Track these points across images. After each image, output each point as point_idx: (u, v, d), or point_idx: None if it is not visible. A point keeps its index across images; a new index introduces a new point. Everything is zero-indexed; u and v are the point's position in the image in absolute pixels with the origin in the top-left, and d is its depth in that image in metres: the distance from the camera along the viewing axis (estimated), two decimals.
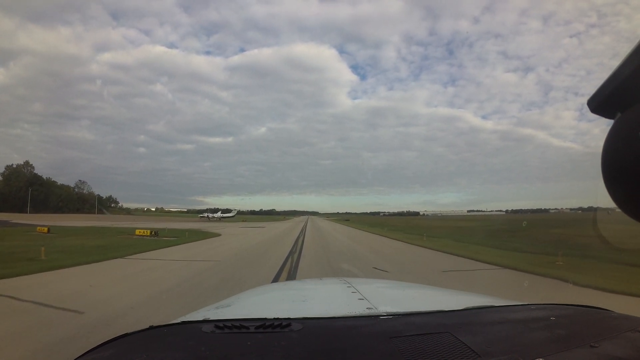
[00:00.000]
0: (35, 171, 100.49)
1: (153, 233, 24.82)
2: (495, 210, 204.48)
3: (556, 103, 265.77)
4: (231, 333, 1.10)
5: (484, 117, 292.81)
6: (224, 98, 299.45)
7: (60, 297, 6.83)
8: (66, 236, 23.23)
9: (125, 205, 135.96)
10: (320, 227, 48.02)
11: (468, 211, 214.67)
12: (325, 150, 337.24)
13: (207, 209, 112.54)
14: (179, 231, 29.69)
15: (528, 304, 1.53)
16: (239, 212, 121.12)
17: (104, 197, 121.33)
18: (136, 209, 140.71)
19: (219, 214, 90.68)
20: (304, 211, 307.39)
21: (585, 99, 0.69)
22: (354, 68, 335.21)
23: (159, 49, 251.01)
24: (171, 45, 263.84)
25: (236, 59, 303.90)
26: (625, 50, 0.59)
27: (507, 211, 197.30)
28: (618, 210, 0.63)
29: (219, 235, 27.89)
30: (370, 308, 1.45)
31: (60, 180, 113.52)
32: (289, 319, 1.17)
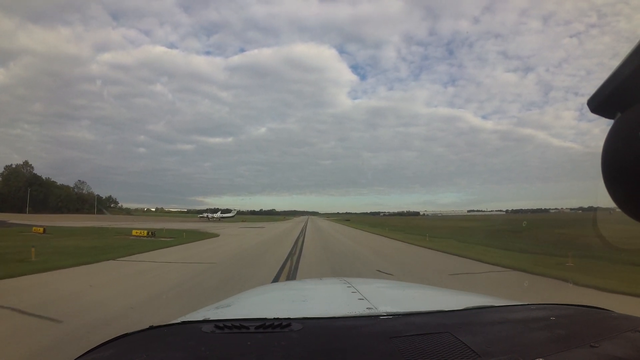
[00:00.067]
0: (35, 171, 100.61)
1: (150, 234, 24.61)
2: (496, 210, 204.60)
3: (556, 103, 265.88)
4: (231, 333, 1.10)
5: (484, 117, 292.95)
6: (224, 98, 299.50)
7: (41, 302, 6.50)
8: (62, 237, 23.02)
9: (125, 205, 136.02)
10: (321, 228, 47.94)
11: (468, 211, 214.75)
12: (325, 150, 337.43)
13: (207, 209, 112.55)
14: (177, 232, 29.45)
15: (528, 304, 1.53)
16: (239, 213, 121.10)
17: (104, 198, 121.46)
18: (136, 209, 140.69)
19: (218, 214, 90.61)
20: (304, 211, 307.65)
21: (585, 99, 0.69)
22: (354, 68, 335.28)
23: (159, 49, 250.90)
24: (171, 46, 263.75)
25: (236, 59, 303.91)
26: (625, 50, 0.59)
27: (507, 211, 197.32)
28: (619, 210, 0.63)
29: (217, 235, 27.68)
30: (370, 308, 1.45)
31: (60, 180, 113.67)
32: (289, 319, 1.17)
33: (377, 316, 1.28)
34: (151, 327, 1.18)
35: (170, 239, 23.04)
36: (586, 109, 0.69)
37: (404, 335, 1.06)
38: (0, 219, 45.44)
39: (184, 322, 1.25)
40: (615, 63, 0.60)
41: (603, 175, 0.63)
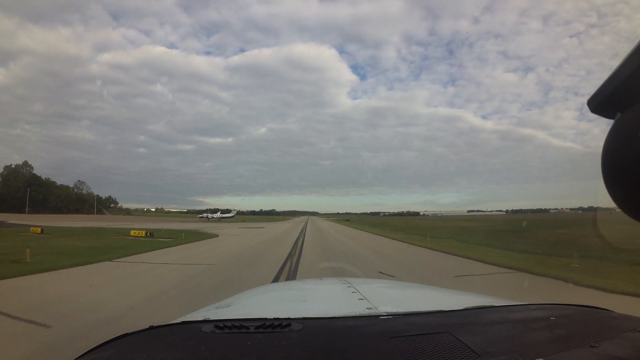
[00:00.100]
0: (36, 171, 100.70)
1: (148, 234, 24.38)
2: (496, 211, 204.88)
3: (556, 103, 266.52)
4: (231, 333, 1.10)
5: (484, 117, 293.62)
6: (224, 98, 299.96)
7: (30, 305, 6.34)
8: (59, 237, 22.82)
9: (125, 205, 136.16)
10: (321, 228, 47.88)
11: (468, 211, 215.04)
12: (326, 150, 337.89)
13: (207, 210, 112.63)
14: (176, 232, 29.24)
15: (528, 304, 1.53)
16: (239, 213, 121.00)
17: (104, 198, 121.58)
18: (136, 210, 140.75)
19: (218, 215, 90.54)
20: (304, 211, 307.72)
21: (585, 99, 0.69)
22: (354, 68, 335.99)
23: (159, 49, 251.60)
24: (171, 46, 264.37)
25: (236, 59, 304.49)
26: (625, 50, 0.59)
27: (507, 211, 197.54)
28: (619, 210, 0.63)
29: (216, 236, 27.44)
30: (370, 308, 1.45)
31: (60, 180, 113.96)
32: (289, 319, 1.17)
33: (377, 316, 1.28)
34: (151, 327, 1.18)
35: (169, 239, 22.83)
36: (586, 109, 0.69)
37: (404, 335, 1.06)
38: (0, 219, 45.44)
39: (184, 322, 1.25)
40: (615, 63, 0.60)
41: (603, 175, 0.63)
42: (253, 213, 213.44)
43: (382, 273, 10.39)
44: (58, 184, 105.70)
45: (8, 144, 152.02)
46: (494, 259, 13.26)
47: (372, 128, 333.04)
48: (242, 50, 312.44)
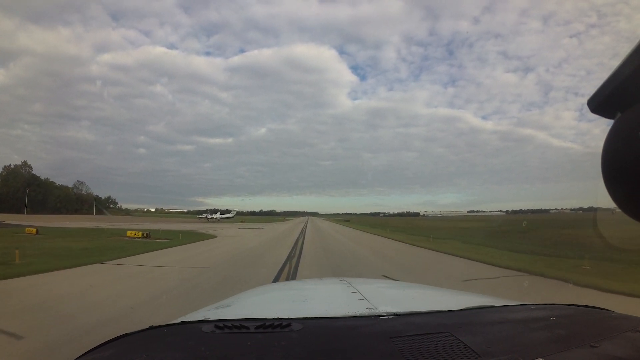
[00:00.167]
0: (35, 172, 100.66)
1: (145, 235, 24.14)
2: (496, 211, 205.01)
3: (556, 103, 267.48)
4: (231, 333, 1.10)
5: (484, 118, 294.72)
6: (224, 99, 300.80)
7: (6, 313, 5.97)
8: (54, 238, 22.48)
9: (125, 206, 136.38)
10: (321, 228, 47.70)
11: (468, 212, 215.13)
12: (326, 151, 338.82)
13: (206, 210, 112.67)
14: (174, 232, 28.91)
15: (528, 304, 1.53)
16: (239, 213, 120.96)
17: (103, 198, 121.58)
18: (136, 210, 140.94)
19: (217, 215, 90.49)
20: (304, 212, 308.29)
21: (585, 99, 0.69)
22: (354, 69, 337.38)
23: (159, 50, 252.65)
24: (171, 46, 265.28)
25: (236, 59, 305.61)
26: (625, 50, 0.59)
27: (507, 212, 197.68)
28: (619, 210, 0.63)
29: (214, 237, 27.15)
30: (370, 308, 1.45)
31: (60, 180, 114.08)
32: (289, 319, 1.17)
33: (377, 316, 1.28)
34: (151, 327, 1.18)
35: (166, 240, 22.48)
36: (586, 109, 0.69)
37: (404, 335, 1.06)
38: None
39: (184, 322, 1.25)
40: (615, 63, 0.60)
41: (603, 176, 0.63)
42: (253, 213, 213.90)
43: (387, 277, 10.04)
44: (57, 184, 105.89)
45: (8, 144, 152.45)
46: (502, 260, 12.85)
47: (372, 129, 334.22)
48: (242, 51, 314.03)
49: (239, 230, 38.61)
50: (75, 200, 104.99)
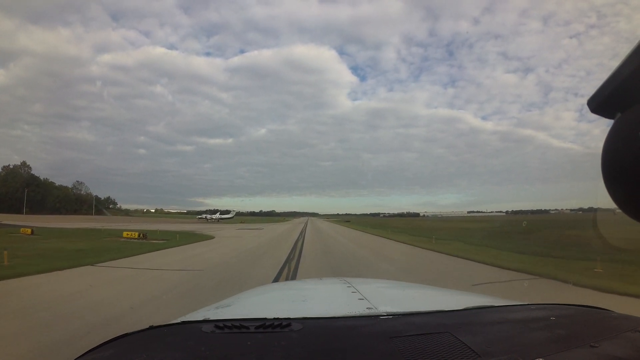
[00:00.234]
0: (35, 172, 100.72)
1: (141, 236, 23.84)
2: (496, 211, 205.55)
3: (556, 104, 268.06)
4: (231, 333, 1.10)
5: (484, 118, 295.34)
6: (224, 99, 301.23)
7: None
8: (49, 238, 22.17)
9: (124, 206, 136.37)
10: (321, 229, 47.56)
11: (468, 212, 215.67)
12: (325, 151, 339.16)
13: (206, 210, 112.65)
14: (171, 233, 28.28)
15: (528, 304, 1.53)
16: (239, 214, 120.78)
17: (103, 199, 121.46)
18: (135, 210, 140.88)
19: (217, 216, 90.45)
20: (304, 212, 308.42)
21: (585, 100, 0.69)
22: (354, 69, 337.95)
23: (159, 50, 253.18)
24: (171, 47, 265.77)
25: (236, 60, 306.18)
26: (625, 50, 0.59)
27: (507, 212, 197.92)
28: (620, 210, 0.63)
29: (212, 238, 26.67)
30: (370, 308, 1.45)
31: (60, 181, 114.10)
32: (289, 319, 1.17)
33: (377, 316, 1.28)
34: (151, 327, 1.18)
35: (162, 241, 22.09)
36: (586, 109, 0.69)
37: (404, 335, 1.06)
38: None
39: (183, 322, 1.25)
40: (615, 63, 0.60)
41: (603, 176, 0.63)
42: (252, 214, 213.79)
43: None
44: (57, 184, 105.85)
45: (8, 144, 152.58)
46: (509, 263, 12.42)
47: (372, 129, 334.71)
48: (242, 52, 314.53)
49: (237, 231, 38.50)
50: (74, 201, 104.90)
